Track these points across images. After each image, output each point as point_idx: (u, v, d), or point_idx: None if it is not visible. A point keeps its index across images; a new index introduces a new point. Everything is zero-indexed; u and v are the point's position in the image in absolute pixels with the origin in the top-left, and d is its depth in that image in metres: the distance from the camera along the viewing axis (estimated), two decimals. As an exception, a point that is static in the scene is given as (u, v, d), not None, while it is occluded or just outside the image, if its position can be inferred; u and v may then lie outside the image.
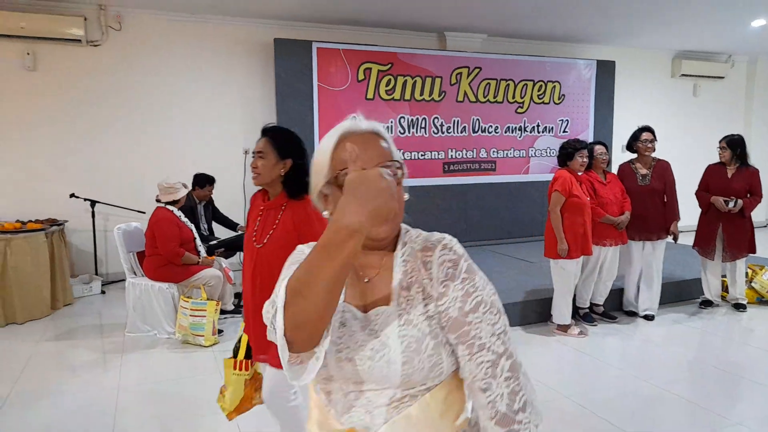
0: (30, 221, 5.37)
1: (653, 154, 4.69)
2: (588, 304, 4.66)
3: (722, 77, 9.58)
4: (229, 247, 5.47)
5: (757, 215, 8.69)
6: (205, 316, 4.13)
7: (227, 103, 6.72)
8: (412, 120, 7.19)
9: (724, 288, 5.13)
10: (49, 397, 3.32)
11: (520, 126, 7.76)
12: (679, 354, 4.00)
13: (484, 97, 7.52)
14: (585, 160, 4.29)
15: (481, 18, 6.95)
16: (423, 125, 7.25)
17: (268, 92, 6.78)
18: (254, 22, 6.72)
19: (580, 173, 4.36)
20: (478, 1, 6.27)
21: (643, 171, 4.68)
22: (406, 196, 1.03)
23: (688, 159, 8.12)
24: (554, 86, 7.87)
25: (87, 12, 6.01)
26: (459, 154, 7.49)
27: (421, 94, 7.20)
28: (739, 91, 9.95)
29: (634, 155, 4.74)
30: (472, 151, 7.56)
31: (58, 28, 5.80)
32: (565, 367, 3.81)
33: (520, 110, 7.74)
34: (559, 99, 7.92)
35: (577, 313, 4.62)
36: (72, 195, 5.97)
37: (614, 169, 4.98)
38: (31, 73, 5.92)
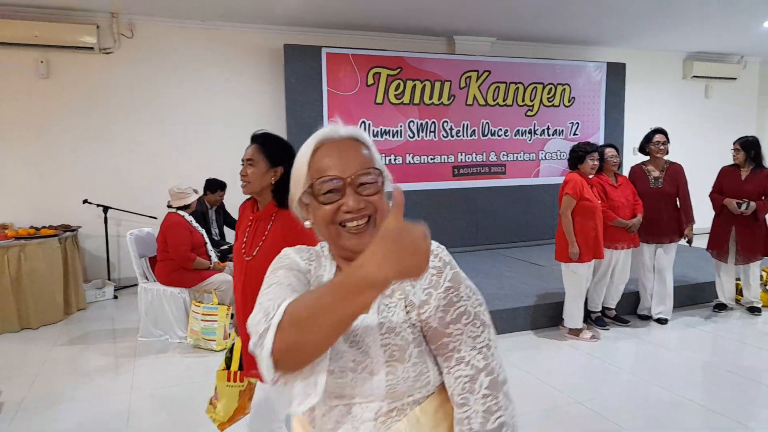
0: (44, 227, 5.44)
1: (666, 157, 4.66)
2: (600, 308, 4.62)
3: (734, 78, 9.50)
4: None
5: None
6: (216, 321, 4.15)
7: (238, 108, 6.76)
8: (421, 124, 7.19)
9: (739, 291, 5.08)
10: (63, 402, 3.35)
11: (530, 129, 7.74)
12: (692, 358, 3.96)
13: (494, 101, 7.51)
14: (596, 163, 4.27)
15: (490, 21, 6.94)
16: (432, 129, 7.25)
17: (278, 97, 6.82)
18: (264, 29, 6.77)
19: (591, 176, 4.33)
20: (487, 5, 6.27)
21: (656, 173, 4.65)
22: (394, 196, 1.00)
23: (699, 161, 8.05)
24: (564, 89, 7.84)
25: (99, 20, 6.08)
26: (468, 158, 7.48)
27: (431, 98, 7.20)
28: (751, 93, 9.86)
29: (647, 157, 4.71)
30: (482, 155, 7.54)
31: (71, 36, 5.88)
32: (577, 371, 3.78)
33: (530, 113, 7.71)
34: (569, 102, 7.89)
35: (589, 317, 4.59)
36: (85, 201, 6.03)
37: (625, 172, 4.95)
38: (45, 81, 6.00)
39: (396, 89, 7.02)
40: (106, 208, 6.05)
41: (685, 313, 4.93)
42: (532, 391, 3.41)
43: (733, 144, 4.86)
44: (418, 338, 0.96)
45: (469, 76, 7.34)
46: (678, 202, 4.64)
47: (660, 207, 4.56)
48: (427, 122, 7.22)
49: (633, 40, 8.23)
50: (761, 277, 5.06)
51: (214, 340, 4.16)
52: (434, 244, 1.00)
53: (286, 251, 1.10)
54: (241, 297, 2.05)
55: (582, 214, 4.16)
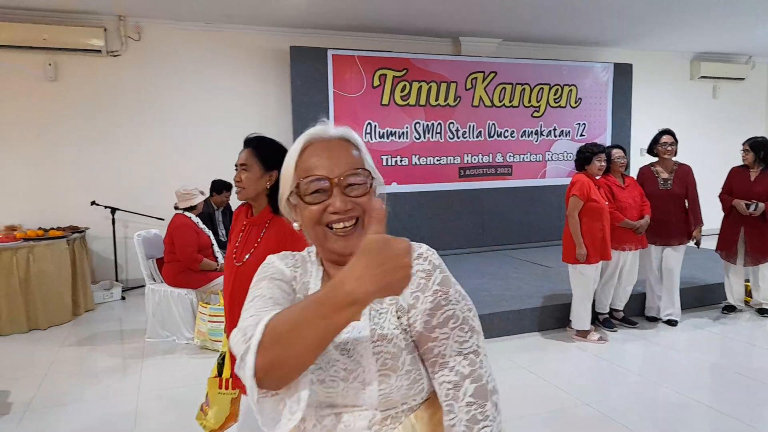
0: (52, 229, 5.47)
1: (675, 158, 4.64)
2: (608, 310, 4.60)
3: (742, 79, 9.44)
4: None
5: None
6: (223, 322, 4.13)
7: (244, 110, 6.78)
8: (427, 125, 7.19)
9: (748, 293, 5.04)
10: (70, 402, 3.36)
11: (537, 130, 7.72)
12: (701, 360, 3.93)
13: (500, 102, 7.49)
14: (603, 164, 4.24)
15: (496, 22, 6.93)
16: (438, 130, 7.25)
17: (284, 99, 6.84)
18: (270, 31, 6.78)
19: (598, 177, 4.31)
20: (493, 6, 6.26)
21: (665, 175, 4.63)
22: (375, 209, 0.93)
23: (707, 162, 8.00)
24: (571, 90, 7.82)
25: (107, 23, 6.12)
26: (475, 159, 7.47)
27: (437, 99, 7.19)
28: (760, 93, 9.80)
29: (656, 159, 4.70)
30: (488, 156, 7.53)
31: (79, 39, 5.91)
32: (585, 373, 3.76)
33: (536, 114, 7.70)
34: (575, 102, 7.87)
35: (596, 319, 4.57)
36: (93, 203, 6.06)
37: (632, 173, 4.93)
38: (53, 84, 6.04)
39: (402, 91, 7.02)
40: (113, 210, 6.08)
41: (693, 315, 4.89)
42: (538, 392, 3.39)
43: (743, 145, 4.83)
44: (410, 344, 0.94)
45: (475, 78, 7.33)
46: (686, 204, 4.61)
47: (669, 209, 4.54)
48: (433, 123, 7.21)
49: (640, 41, 8.19)
50: (770, 278, 5.02)
51: (221, 341, 4.15)
52: (423, 247, 0.98)
53: (270, 259, 1.07)
54: (229, 303, 2.01)
55: (589, 216, 4.14)
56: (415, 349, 0.94)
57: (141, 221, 6.21)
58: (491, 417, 0.89)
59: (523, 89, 7.57)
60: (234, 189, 1.98)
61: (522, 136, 7.66)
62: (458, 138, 7.36)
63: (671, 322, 4.62)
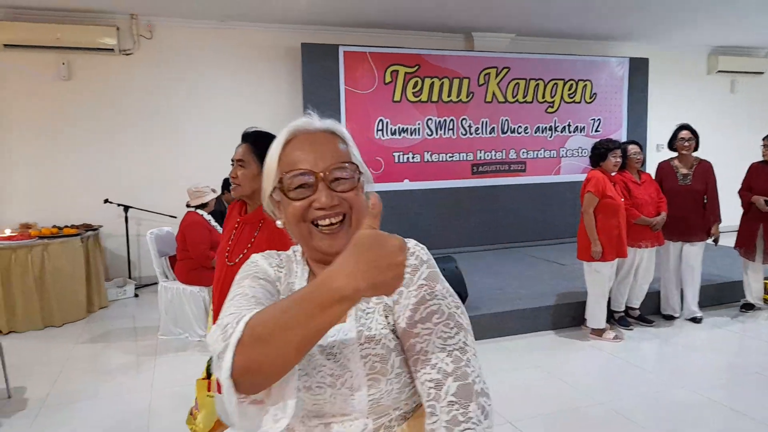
0: (66, 227, 5.52)
1: (695, 154, 4.56)
2: (623, 308, 4.53)
3: (761, 72, 9.25)
4: (259, 251, 5.50)
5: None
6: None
7: (256, 108, 6.77)
8: (439, 121, 7.14)
9: (767, 290, 4.94)
10: (84, 399, 3.38)
11: (551, 126, 7.64)
12: (718, 359, 3.86)
13: (513, 98, 7.42)
14: (618, 160, 4.18)
15: (509, 17, 6.86)
16: (451, 127, 7.20)
17: (296, 96, 6.82)
18: (281, 28, 6.77)
19: (613, 173, 4.25)
20: (506, 1, 6.19)
21: (684, 170, 4.55)
22: (371, 203, 0.86)
23: (725, 157, 7.85)
24: (585, 85, 7.72)
25: (119, 22, 6.15)
26: (488, 155, 7.41)
27: (449, 95, 7.14)
28: (779, 87, 9.61)
29: (675, 154, 4.62)
30: (502, 152, 7.46)
31: (92, 38, 5.94)
32: (600, 372, 3.71)
33: (550, 110, 7.61)
34: (590, 98, 7.77)
35: (612, 317, 4.51)
36: (106, 201, 6.10)
37: (649, 169, 4.85)
38: (66, 83, 6.08)
39: (414, 87, 6.98)
40: (126, 208, 6.12)
41: (711, 313, 4.81)
42: (553, 391, 3.35)
43: (763, 140, 4.73)
44: (399, 345, 0.89)
45: (488, 73, 7.26)
46: (706, 201, 4.54)
47: (688, 205, 4.47)
48: (445, 120, 7.16)
49: (656, 35, 8.06)
50: (791, 276, 4.92)
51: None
52: (412, 242, 0.93)
53: (254, 258, 1.02)
54: (218, 300, 1.97)
55: (604, 212, 4.08)
56: (404, 349, 0.90)
57: (153, 219, 6.24)
58: (474, 420, 0.80)
59: (537, 84, 7.49)
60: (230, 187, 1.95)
61: (536, 132, 7.58)
62: (471, 134, 7.30)
63: (696, 320, 4.54)
